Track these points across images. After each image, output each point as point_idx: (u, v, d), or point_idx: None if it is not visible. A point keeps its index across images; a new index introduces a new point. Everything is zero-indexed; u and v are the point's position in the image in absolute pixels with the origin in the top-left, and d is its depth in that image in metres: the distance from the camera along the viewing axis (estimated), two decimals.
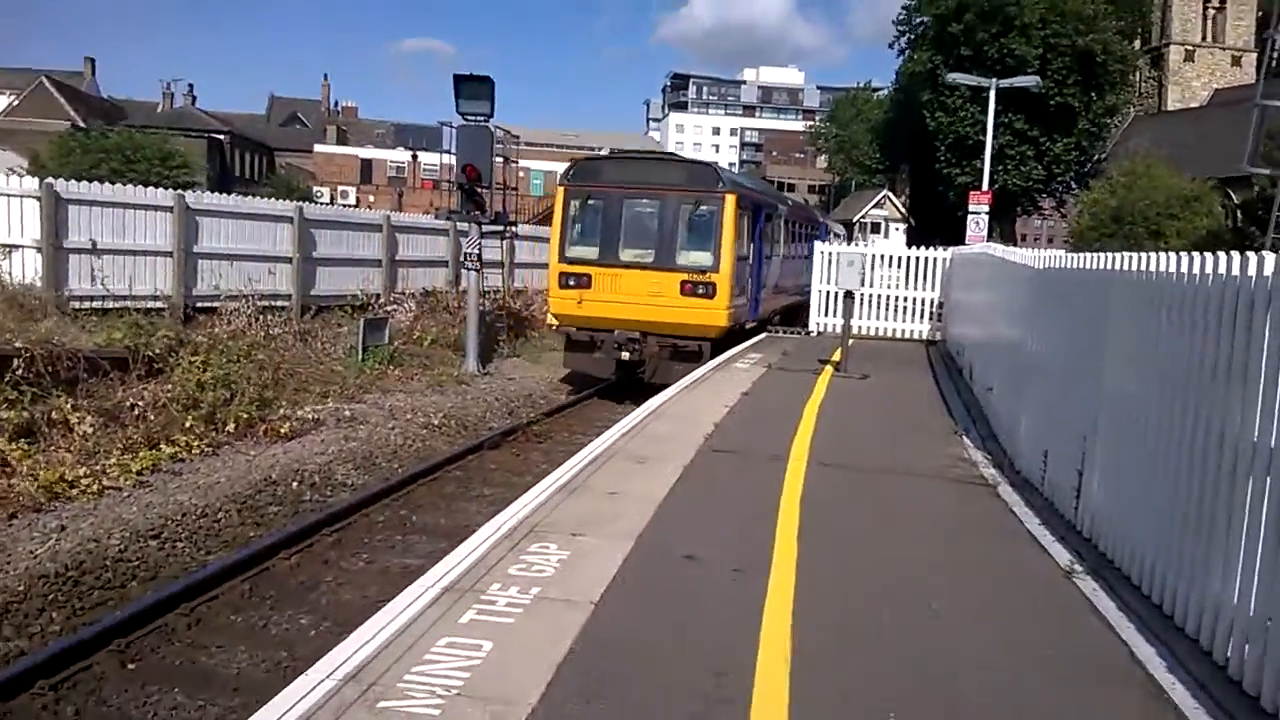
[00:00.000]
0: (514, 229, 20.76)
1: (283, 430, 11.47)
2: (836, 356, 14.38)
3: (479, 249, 17.77)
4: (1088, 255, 6.71)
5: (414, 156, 76.35)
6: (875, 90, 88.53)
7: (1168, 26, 60.71)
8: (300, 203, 19.47)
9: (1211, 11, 61.30)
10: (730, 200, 15.70)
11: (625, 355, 15.72)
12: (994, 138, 52.71)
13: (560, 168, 73.80)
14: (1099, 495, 5.97)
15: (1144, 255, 5.31)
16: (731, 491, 7.23)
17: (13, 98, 64.77)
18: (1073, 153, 54.68)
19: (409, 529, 8.87)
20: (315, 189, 68.04)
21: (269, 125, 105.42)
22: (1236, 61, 61.47)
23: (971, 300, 13.42)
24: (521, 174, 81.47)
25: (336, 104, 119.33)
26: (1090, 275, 6.31)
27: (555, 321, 17.23)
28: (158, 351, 12.79)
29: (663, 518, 6.29)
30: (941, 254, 19.85)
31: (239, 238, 17.74)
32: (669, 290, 15.51)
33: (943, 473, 8.01)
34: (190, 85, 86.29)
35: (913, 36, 60.54)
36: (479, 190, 17.52)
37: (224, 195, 18.68)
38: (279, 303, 18.16)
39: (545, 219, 64.78)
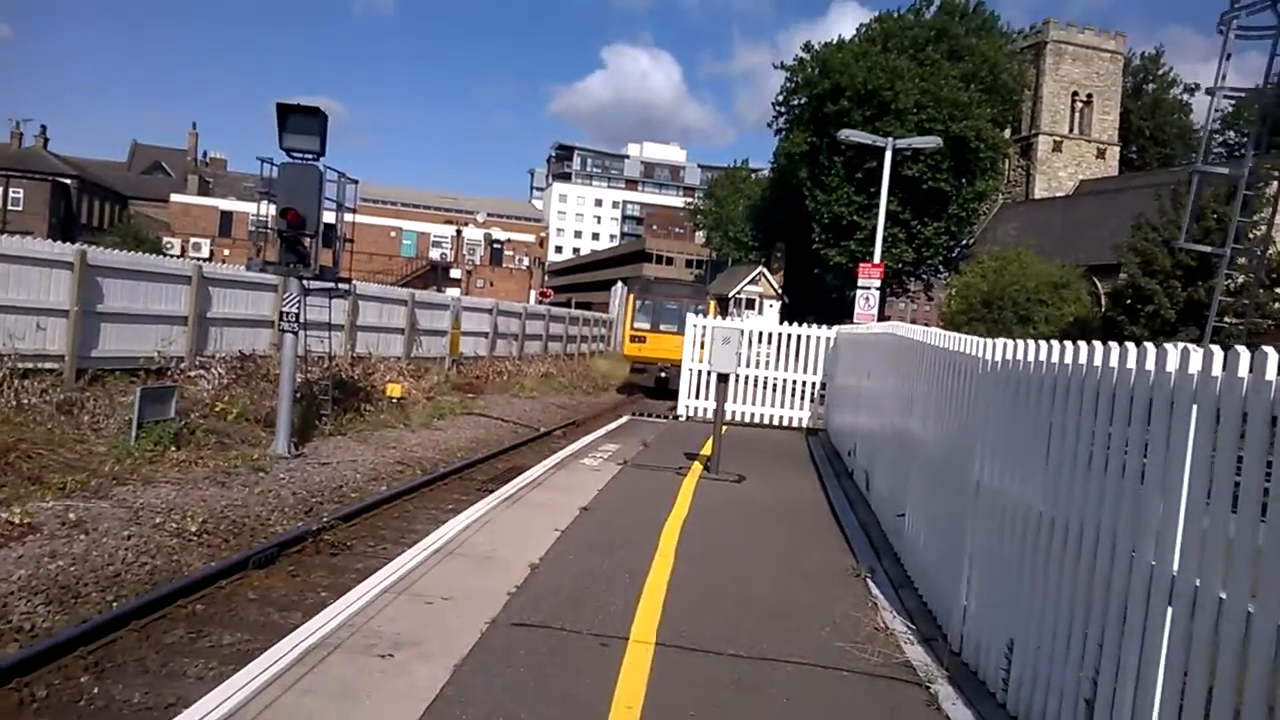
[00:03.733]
0: (348, 286, 18.08)
1: None
2: (707, 449, 12.15)
3: (298, 307, 15.05)
4: (1051, 344, 4.61)
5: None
6: (753, 171, 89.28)
7: (1038, 117, 62.30)
8: (84, 247, 16.35)
9: (1079, 105, 63.26)
10: (712, 301, 29.95)
11: (662, 374, 27.23)
12: (868, 219, 53.10)
13: (435, 228, 72.46)
14: None
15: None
16: None
17: None
18: (943, 236, 55.33)
19: (81, 714, 6.05)
20: (166, 240, 63.87)
21: (130, 173, 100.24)
22: (1101, 154, 63.44)
23: (866, 390, 11.35)
24: (393, 234, 79.45)
25: (204, 154, 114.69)
26: (1133, 379, 3.78)
27: (632, 357, 30.86)
28: None
29: None
30: (825, 333, 17.99)
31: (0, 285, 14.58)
32: (682, 343, 23.12)
33: (852, 657, 5.59)
34: (43, 127, 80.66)
35: (791, 118, 61.00)
36: (303, 239, 14.89)
37: None
38: (48, 364, 15.01)
39: (413, 280, 62.19)
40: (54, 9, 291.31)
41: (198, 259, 53.08)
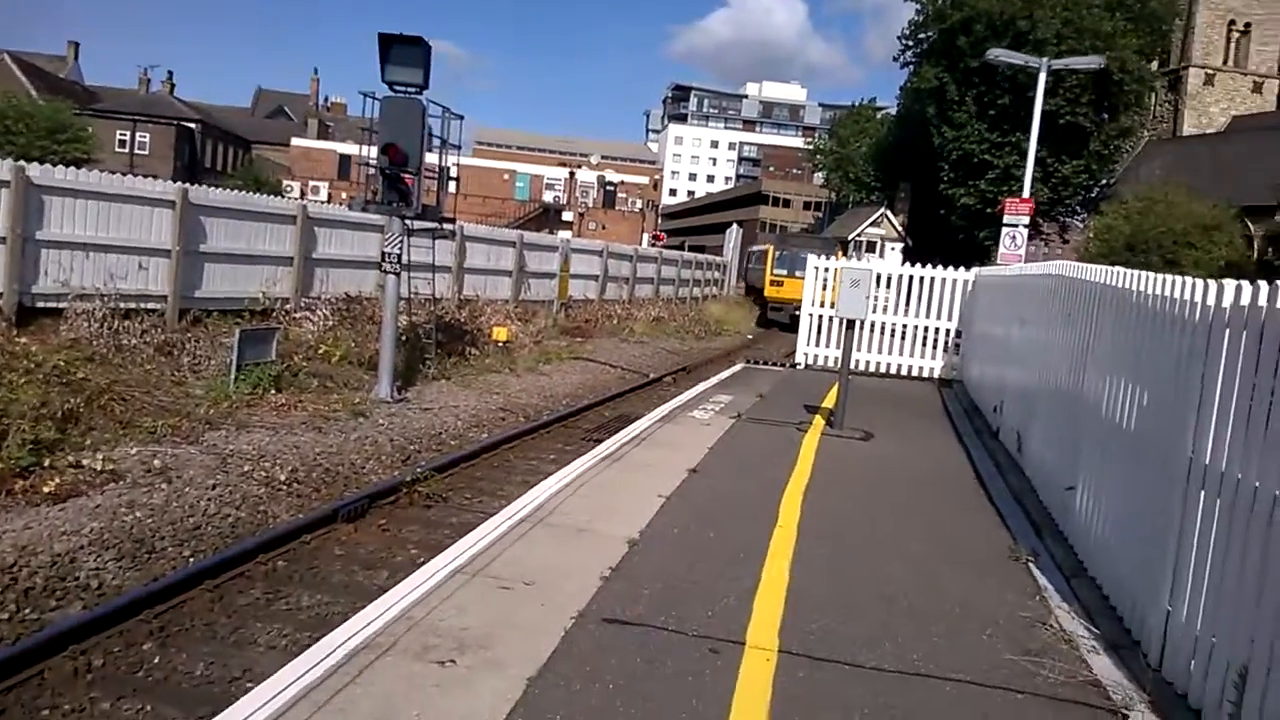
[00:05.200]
0: (453, 226, 17.49)
1: (46, 488, 8.09)
2: (828, 402, 11.10)
3: (400, 248, 14.51)
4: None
5: None
6: (879, 109, 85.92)
7: (1188, 49, 57.87)
8: (185, 185, 16.03)
9: (1235, 35, 58.47)
10: (839, 248, 36.65)
11: (796, 313, 26.01)
12: (1000, 158, 50.27)
13: (549, 171, 72.84)
14: None
15: None
16: None
17: None
18: (1081, 175, 52.29)
19: (136, 687, 5.49)
20: (286, 183, 65.08)
21: (253, 118, 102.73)
22: (1258, 88, 58.69)
23: (1018, 340, 9.99)
24: (506, 176, 79.42)
25: (326, 99, 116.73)
26: None
27: (770, 298, 39.74)
28: None
29: None
30: (961, 275, 16.54)
31: (102, 224, 14.30)
32: None
33: (1025, 673, 4.46)
34: (170, 73, 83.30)
35: (920, 52, 58.22)
36: (404, 177, 14.28)
37: (82, 171, 15.18)
38: (150, 305, 14.78)
39: (526, 223, 62.00)
40: None
41: (316, 201, 53.87)
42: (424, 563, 7.19)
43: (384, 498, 9.42)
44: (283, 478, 9.62)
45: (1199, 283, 4.45)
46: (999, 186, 50.20)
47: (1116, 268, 5.93)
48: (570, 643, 4.33)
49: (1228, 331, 4.13)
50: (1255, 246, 44.43)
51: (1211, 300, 4.25)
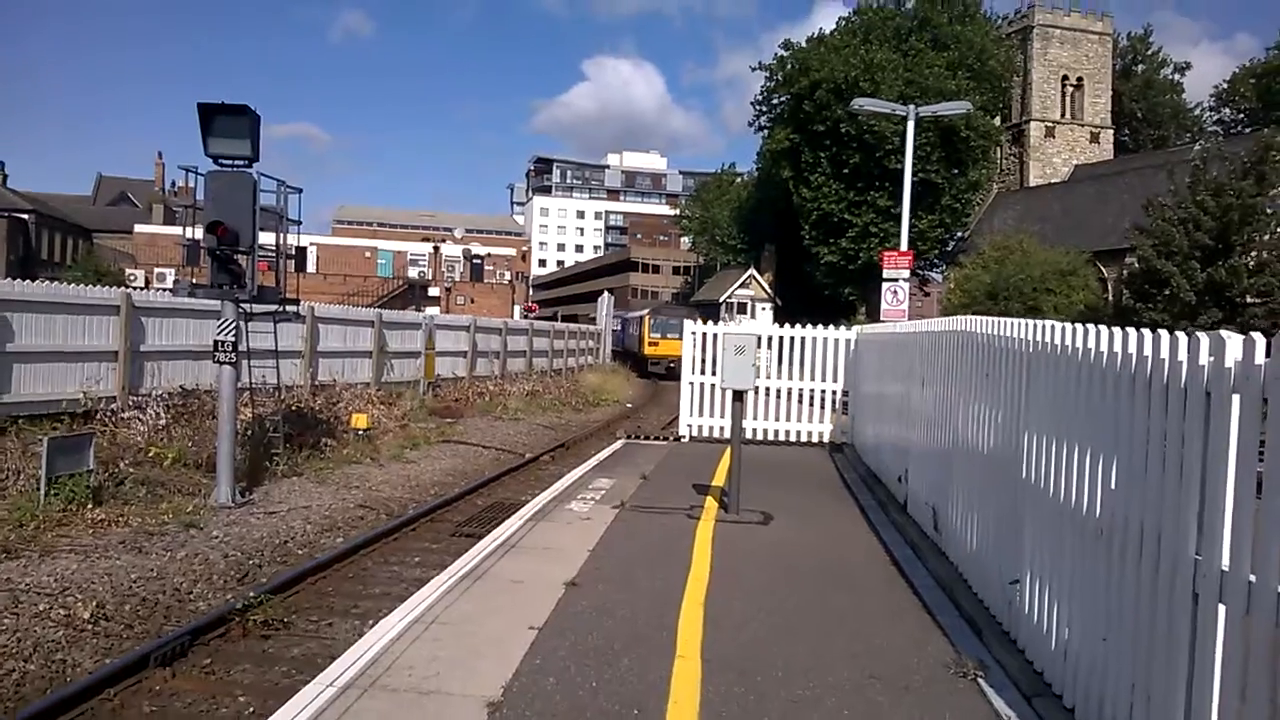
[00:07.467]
0: (296, 307, 16.03)
1: None
2: (719, 479, 10.14)
3: (236, 334, 13.02)
4: None
5: None
6: (738, 175, 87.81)
7: (1028, 104, 60.78)
8: None
9: (1070, 89, 61.74)
10: (698, 316, 33.10)
11: (670, 365, 36.47)
12: (858, 215, 51.37)
13: (412, 247, 72.26)
14: None
15: None
16: None
17: None
18: (937, 230, 53.99)
19: None
20: (130, 272, 61.68)
21: (95, 206, 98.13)
22: (1095, 138, 61.91)
23: (918, 402, 9.13)
24: (368, 254, 77.31)
25: (173, 184, 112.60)
26: None
27: (648, 355, 50.68)
28: None
29: None
30: (843, 333, 15.95)
31: None
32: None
33: None
34: (1, 163, 78.34)
35: (772, 117, 59.67)
36: (237, 257, 12.91)
37: None
38: None
39: (391, 301, 60.06)
40: (16, 48, 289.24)
41: (162, 288, 50.91)
42: (253, 714, 5.89)
43: (210, 631, 7.96)
44: (87, 615, 8.04)
45: (1180, 336, 3.59)
46: (859, 244, 51.30)
47: (1052, 322, 5.09)
48: None
49: (1238, 399, 3.20)
50: (1109, 289, 46.17)
51: (1205, 359, 3.39)
